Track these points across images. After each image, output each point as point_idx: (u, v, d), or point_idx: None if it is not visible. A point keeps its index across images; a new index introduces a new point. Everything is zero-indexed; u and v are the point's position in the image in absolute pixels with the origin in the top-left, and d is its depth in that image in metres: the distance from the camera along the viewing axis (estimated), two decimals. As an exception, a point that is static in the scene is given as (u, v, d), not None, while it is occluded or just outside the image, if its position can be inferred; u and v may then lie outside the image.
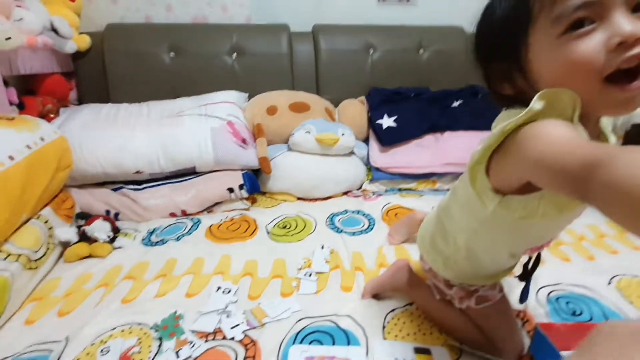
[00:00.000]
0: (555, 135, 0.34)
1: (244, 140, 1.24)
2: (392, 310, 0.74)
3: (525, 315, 0.72)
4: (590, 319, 0.71)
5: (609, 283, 0.81)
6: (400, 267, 0.75)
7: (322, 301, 0.76)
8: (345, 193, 1.32)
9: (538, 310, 0.73)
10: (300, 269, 0.87)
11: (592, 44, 0.35)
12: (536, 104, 0.36)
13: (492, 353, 0.62)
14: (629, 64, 0.34)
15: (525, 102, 0.37)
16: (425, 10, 1.68)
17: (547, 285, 0.79)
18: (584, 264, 0.89)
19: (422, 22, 1.64)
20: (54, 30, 1.25)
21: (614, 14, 0.34)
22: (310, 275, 0.84)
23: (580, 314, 0.72)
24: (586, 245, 0.96)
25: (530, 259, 0.61)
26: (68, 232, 0.93)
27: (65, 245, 0.93)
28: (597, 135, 0.44)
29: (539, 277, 0.81)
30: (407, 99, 1.47)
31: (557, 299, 0.76)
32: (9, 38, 0.98)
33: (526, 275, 0.61)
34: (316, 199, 1.28)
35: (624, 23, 0.34)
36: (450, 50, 1.59)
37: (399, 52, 1.57)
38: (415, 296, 0.73)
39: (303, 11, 1.60)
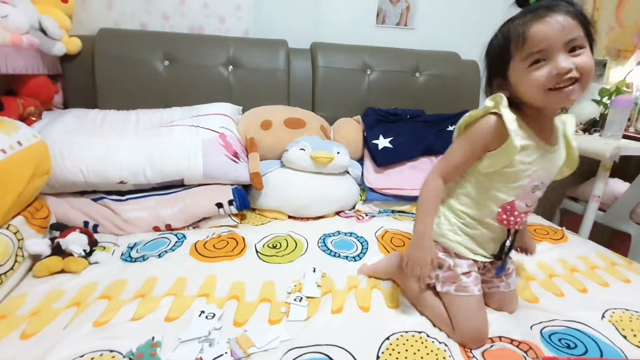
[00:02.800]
0: (477, 125, 0.69)
1: (235, 154, 1.20)
2: (387, 339, 0.70)
3: (530, 347, 0.69)
4: (585, 353, 0.69)
5: (603, 317, 0.79)
6: (394, 254, 0.90)
7: (313, 329, 0.72)
8: (338, 213, 1.29)
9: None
10: (290, 292, 0.83)
11: (543, 73, 0.61)
12: (488, 102, 0.67)
13: (455, 341, 0.71)
14: (564, 84, 0.61)
15: (514, 104, 0.67)
16: (423, 36, 1.71)
17: (540, 322, 0.77)
18: (578, 297, 0.87)
19: (419, 47, 1.67)
20: (42, 30, 1.20)
21: (556, 56, 0.60)
22: (300, 300, 0.80)
23: (574, 347, 0.70)
24: (579, 277, 0.95)
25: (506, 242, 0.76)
26: (39, 244, 0.86)
27: (36, 258, 0.86)
28: (550, 132, 0.70)
29: (534, 312, 0.80)
30: (403, 121, 1.47)
31: (551, 335, 0.73)
32: (-7, 35, 0.92)
33: (501, 253, 0.77)
34: (308, 218, 1.24)
35: (561, 61, 0.59)
36: (445, 75, 1.61)
37: (395, 74, 1.58)
38: (402, 279, 0.84)
39: (301, 29, 1.61)
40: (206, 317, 0.72)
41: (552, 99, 0.62)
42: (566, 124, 0.74)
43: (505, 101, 0.65)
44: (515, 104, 0.67)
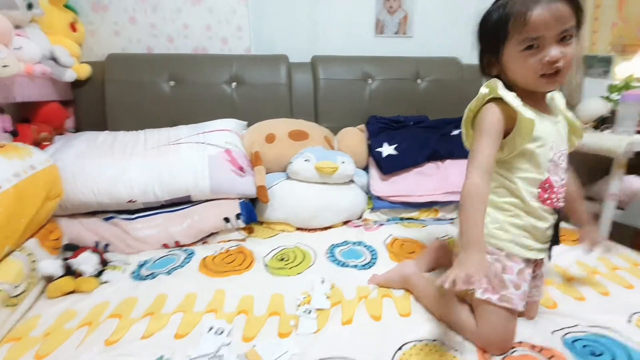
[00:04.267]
0: (481, 115, 0.70)
1: (241, 168, 1.21)
2: (400, 348, 0.68)
3: (553, 355, 0.66)
4: (613, 360, 0.65)
5: (629, 321, 0.76)
6: (406, 263, 0.90)
7: (323, 341, 0.71)
8: (346, 223, 1.28)
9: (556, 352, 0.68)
10: (299, 305, 0.82)
11: (535, 59, 0.64)
12: (483, 89, 0.69)
13: (476, 344, 0.69)
14: (552, 71, 0.64)
15: (503, 81, 0.68)
16: (422, 43, 1.73)
17: (562, 328, 0.74)
18: (600, 300, 0.84)
19: (419, 54, 1.68)
20: (54, 59, 1.25)
21: (548, 45, 0.63)
22: (309, 312, 0.79)
23: (600, 355, 0.67)
24: (600, 279, 0.92)
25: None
26: (52, 266, 0.87)
27: (49, 279, 0.88)
28: (544, 106, 0.72)
29: (554, 317, 0.77)
30: (407, 127, 1.47)
31: (574, 341, 0.70)
32: (6, 66, 0.97)
33: (556, 236, 0.76)
34: (315, 229, 1.23)
35: (552, 50, 0.63)
36: (446, 80, 1.61)
37: (396, 82, 1.59)
38: (416, 287, 0.82)
39: (301, 43, 1.64)
40: (215, 332, 0.72)
41: (540, 84, 0.65)
42: (554, 99, 0.75)
43: (501, 84, 0.66)
44: (506, 85, 0.68)
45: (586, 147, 1.44)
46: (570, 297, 0.85)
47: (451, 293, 0.74)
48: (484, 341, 0.68)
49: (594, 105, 1.63)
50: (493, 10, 0.67)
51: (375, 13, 1.66)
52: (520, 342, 0.70)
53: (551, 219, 0.74)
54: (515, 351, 0.68)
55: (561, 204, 0.73)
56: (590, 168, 1.88)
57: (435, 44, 1.72)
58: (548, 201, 0.71)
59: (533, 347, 0.69)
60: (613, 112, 1.60)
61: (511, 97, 0.65)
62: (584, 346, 0.69)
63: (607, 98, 1.65)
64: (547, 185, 0.70)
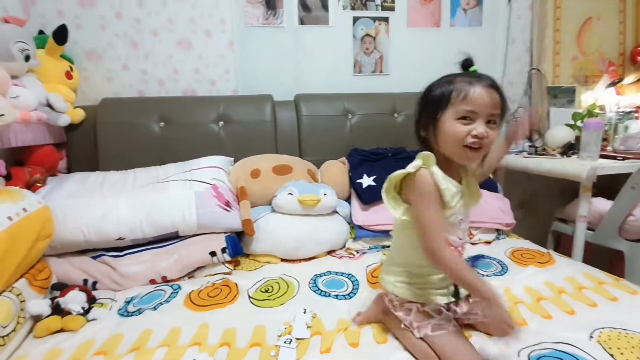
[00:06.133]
0: (419, 182, 0.74)
1: (227, 203, 1.27)
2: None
3: None
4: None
5: (591, 337, 0.80)
6: (379, 297, 0.91)
7: (302, 371, 0.74)
8: (330, 252, 1.33)
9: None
10: (280, 335, 0.85)
11: (465, 129, 0.71)
12: (417, 161, 0.75)
13: None
14: (475, 145, 0.71)
15: (428, 145, 0.78)
16: (398, 80, 1.85)
17: (529, 346, 0.78)
18: (566, 319, 0.88)
19: (396, 90, 1.80)
20: (49, 105, 1.33)
21: (478, 121, 0.71)
22: (290, 342, 0.82)
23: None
24: (566, 298, 0.97)
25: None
26: (40, 306, 0.90)
27: (37, 318, 0.90)
28: (458, 173, 0.80)
29: (521, 337, 0.81)
30: (386, 159, 1.55)
31: (539, 358, 0.74)
32: (2, 115, 1.04)
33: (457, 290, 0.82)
34: (300, 260, 1.28)
35: (480, 127, 0.70)
36: None
37: (375, 116, 1.69)
38: (390, 324, 0.85)
39: (285, 83, 1.75)
40: (197, 365, 0.74)
41: (462, 154, 0.73)
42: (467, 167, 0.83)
43: (434, 160, 0.74)
44: (431, 150, 0.76)
45: (552, 173, 1.53)
46: (538, 315, 0.90)
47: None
48: None
49: (560, 132, 1.74)
50: (438, 83, 0.76)
51: (354, 54, 1.79)
52: (488, 364, 0.73)
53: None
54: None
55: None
56: (562, 191, 1.97)
57: (410, 80, 1.85)
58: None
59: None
60: (578, 138, 1.72)
61: (439, 177, 0.73)
62: (548, 363, 0.73)
63: (572, 125, 1.77)
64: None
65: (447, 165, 0.76)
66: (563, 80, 1.99)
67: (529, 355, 0.75)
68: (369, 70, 1.82)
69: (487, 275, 1.11)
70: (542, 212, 2.02)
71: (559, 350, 0.76)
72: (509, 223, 1.43)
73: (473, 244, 1.36)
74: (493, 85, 0.72)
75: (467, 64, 0.78)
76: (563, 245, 1.73)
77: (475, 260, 0.83)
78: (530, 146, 1.86)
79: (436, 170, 0.74)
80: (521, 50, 2.01)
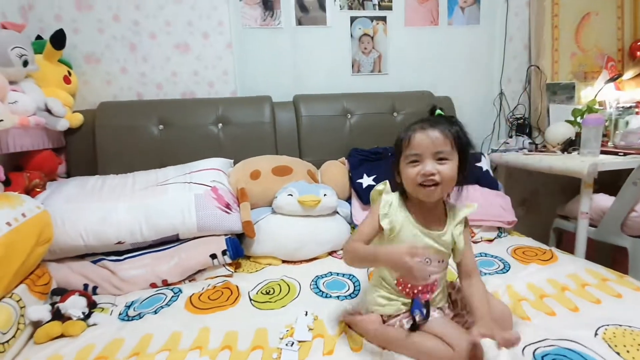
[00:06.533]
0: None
1: (227, 205, 1.26)
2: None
3: None
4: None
5: (596, 335, 0.80)
6: (370, 318, 0.85)
7: (304, 373, 0.73)
8: (331, 253, 1.32)
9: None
10: (282, 338, 0.84)
11: (415, 170, 0.77)
12: (379, 186, 0.86)
13: None
14: (429, 184, 0.77)
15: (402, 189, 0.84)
16: (396, 79, 1.85)
17: (532, 343, 0.77)
18: (569, 316, 0.88)
19: (394, 89, 1.79)
20: (48, 110, 1.32)
21: (426, 161, 0.77)
22: (292, 344, 0.81)
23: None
24: (569, 295, 0.96)
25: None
26: (40, 311, 0.89)
27: (37, 324, 0.89)
28: (434, 218, 0.83)
29: (525, 333, 0.80)
30: (385, 158, 1.55)
31: (543, 356, 0.74)
32: (1, 120, 1.03)
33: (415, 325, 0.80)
34: (301, 261, 1.27)
35: (427, 165, 0.76)
36: (421, 112, 1.63)
37: (374, 116, 1.69)
38: (384, 335, 0.81)
39: (284, 84, 1.75)
40: (198, 369, 0.74)
41: (419, 192, 0.79)
42: (454, 213, 0.85)
43: (388, 187, 0.85)
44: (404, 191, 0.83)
45: (553, 170, 1.52)
46: (542, 312, 0.89)
47: (416, 333, 0.78)
48: (461, 348, 0.70)
49: (560, 129, 1.73)
50: (400, 132, 0.83)
51: (352, 54, 1.79)
52: (492, 364, 0.73)
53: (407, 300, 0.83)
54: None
55: (427, 298, 0.81)
56: (563, 188, 1.97)
57: (409, 79, 1.85)
58: (404, 291, 0.82)
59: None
60: (578, 135, 1.71)
61: (383, 203, 0.82)
62: (553, 359, 0.72)
63: (572, 122, 1.76)
64: (401, 279, 0.82)
65: (417, 204, 0.82)
66: (562, 77, 1.98)
67: (533, 353, 0.75)
68: (368, 69, 1.82)
69: (489, 274, 1.11)
70: (544, 209, 2.01)
71: (564, 348, 0.76)
72: (510, 221, 1.42)
73: (474, 242, 1.35)
74: (436, 126, 0.77)
75: (432, 109, 0.91)
76: (565, 243, 1.72)
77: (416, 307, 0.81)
78: (530, 143, 1.86)
79: (384, 197, 0.83)
80: (519, 47, 2.01)
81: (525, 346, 0.76)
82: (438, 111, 0.88)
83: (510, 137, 1.95)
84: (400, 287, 0.82)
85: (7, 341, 0.80)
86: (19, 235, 0.90)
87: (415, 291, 0.82)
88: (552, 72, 2.00)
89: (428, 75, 1.88)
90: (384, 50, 1.82)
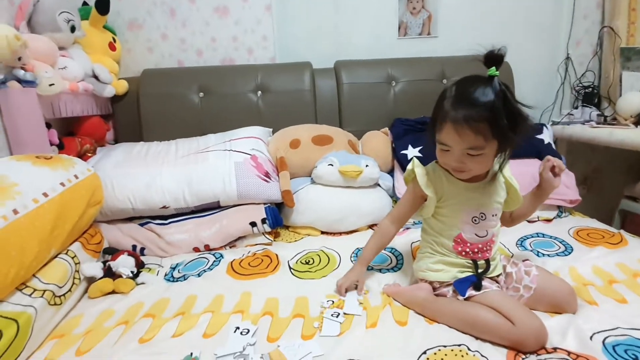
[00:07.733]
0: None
1: (267, 174, 1.25)
2: (424, 352, 0.67)
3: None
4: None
5: (678, 328, 0.70)
6: (421, 286, 0.84)
7: (346, 344, 0.71)
8: (371, 226, 1.28)
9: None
10: (327, 308, 0.82)
11: (445, 157, 0.76)
12: (410, 165, 0.84)
13: (513, 340, 0.67)
14: (456, 170, 0.76)
15: None
16: (447, 42, 1.69)
17: (602, 331, 0.70)
18: (644, 304, 0.78)
19: (446, 54, 1.65)
20: (95, 76, 1.35)
21: (455, 154, 0.73)
22: (338, 315, 0.79)
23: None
24: (643, 283, 0.85)
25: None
26: (93, 268, 0.94)
27: (91, 280, 0.94)
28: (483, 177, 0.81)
29: (592, 319, 0.73)
30: (432, 129, 1.44)
31: (615, 346, 0.66)
32: (53, 84, 1.06)
33: (477, 272, 0.81)
34: (340, 233, 1.24)
35: (454, 162, 0.74)
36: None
37: (421, 83, 1.57)
38: (434, 305, 0.79)
39: (325, 50, 1.66)
40: (241, 333, 0.74)
41: (453, 173, 0.78)
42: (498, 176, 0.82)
43: (417, 162, 0.83)
44: None
45: (625, 144, 1.34)
46: (611, 298, 0.80)
47: (470, 303, 0.75)
48: (523, 327, 0.67)
49: (634, 99, 1.52)
50: (438, 99, 0.77)
51: (399, 15, 1.65)
52: (555, 349, 0.66)
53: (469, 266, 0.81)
54: (547, 357, 0.64)
55: (483, 256, 0.81)
56: (631, 166, 1.76)
57: (462, 43, 1.68)
58: (462, 253, 0.81)
59: (569, 353, 0.65)
60: (658, 106, 1.49)
61: (420, 177, 0.80)
62: (626, 351, 0.65)
63: (651, 91, 1.54)
64: (459, 239, 0.81)
65: None
66: (639, 41, 1.72)
67: (603, 341, 0.67)
68: (416, 32, 1.68)
69: (548, 255, 1.01)
70: (607, 189, 1.82)
71: (639, 339, 0.67)
72: (573, 199, 1.29)
73: (530, 221, 1.24)
74: (468, 118, 0.68)
75: (489, 61, 0.73)
76: (629, 225, 1.55)
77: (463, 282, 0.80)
78: (598, 115, 1.66)
79: (418, 171, 0.81)
80: (591, 5, 1.75)
81: (594, 333, 0.69)
82: (492, 70, 0.72)
83: (576, 107, 1.74)
84: (459, 249, 0.81)
85: (64, 294, 0.85)
86: (72, 196, 0.93)
87: (476, 250, 0.80)
88: (628, 34, 1.73)
89: (483, 38, 1.67)
90: (435, 9, 1.66)
